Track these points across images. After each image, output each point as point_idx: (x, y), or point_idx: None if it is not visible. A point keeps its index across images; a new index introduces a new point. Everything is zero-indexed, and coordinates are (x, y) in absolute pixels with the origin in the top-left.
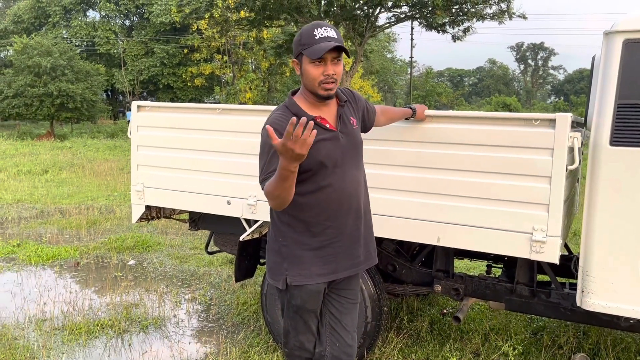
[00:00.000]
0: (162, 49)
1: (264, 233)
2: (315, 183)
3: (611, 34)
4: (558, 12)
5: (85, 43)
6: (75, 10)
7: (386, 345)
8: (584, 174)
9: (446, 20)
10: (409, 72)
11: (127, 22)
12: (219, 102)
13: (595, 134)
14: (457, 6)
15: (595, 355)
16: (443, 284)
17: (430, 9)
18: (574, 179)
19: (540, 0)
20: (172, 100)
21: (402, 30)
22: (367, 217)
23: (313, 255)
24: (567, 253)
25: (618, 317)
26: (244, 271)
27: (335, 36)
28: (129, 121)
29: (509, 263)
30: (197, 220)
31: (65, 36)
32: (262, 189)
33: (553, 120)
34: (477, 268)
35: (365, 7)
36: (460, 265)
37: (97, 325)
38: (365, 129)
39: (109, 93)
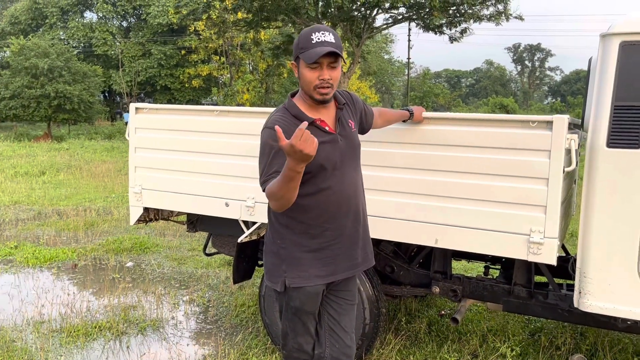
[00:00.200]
0: (160, 50)
1: (262, 235)
2: (315, 185)
3: (608, 36)
4: (555, 13)
5: (82, 44)
6: (72, 12)
7: (384, 346)
8: (581, 175)
9: (443, 21)
10: (406, 73)
11: (125, 24)
12: (217, 103)
13: (592, 135)
14: (454, 7)
15: (592, 356)
16: (441, 286)
17: (427, 10)
18: (571, 180)
19: (537, 1)
20: (169, 102)
21: (399, 31)
22: (364, 219)
23: (312, 257)
24: (564, 254)
25: (615, 318)
26: (242, 273)
27: (332, 40)
28: (126, 123)
29: (507, 264)
30: (195, 222)
31: (62, 37)
32: (263, 190)
33: (550, 122)
34: (475, 269)
35: (363, 9)
36: (458, 267)
37: (95, 327)
38: (362, 131)
39: (107, 94)
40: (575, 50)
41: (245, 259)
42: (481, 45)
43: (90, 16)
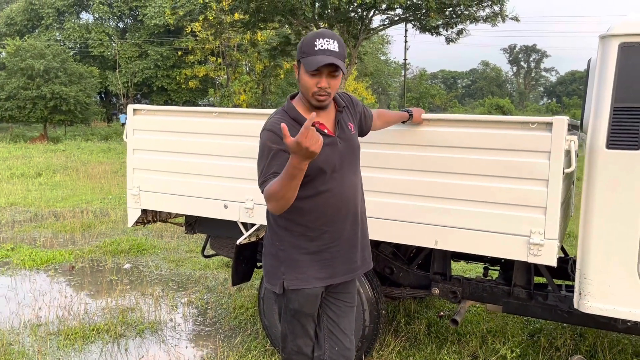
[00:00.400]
0: (156, 51)
1: (261, 236)
2: (314, 188)
3: (607, 37)
4: (550, 14)
5: (78, 45)
6: (68, 13)
7: (384, 348)
8: (579, 176)
9: (440, 22)
10: (403, 74)
11: (121, 25)
12: (213, 104)
13: (591, 137)
14: (450, 9)
15: (592, 358)
16: (441, 287)
17: (424, 11)
18: (570, 181)
19: (532, 2)
20: (166, 103)
21: (395, 32)
22: (363, 222)
23: (310, 259)
24: (563, 255)
25: (615, 320)
26: (241, 275)
27: (335, 49)
28: (123, 124)
29: (506, 266)
30: (194, 223)
31: (58, 38)
32: (262, 191)
33: (550, 124)
34: (473, 270)
35: (359, 10)
36: (456, 268)
37: (93, 330)
38: (362, 134)
39: (103, 95)
40: (571, 52)
41: (244, 261)
42: (477, 46)
43: (86, 17)
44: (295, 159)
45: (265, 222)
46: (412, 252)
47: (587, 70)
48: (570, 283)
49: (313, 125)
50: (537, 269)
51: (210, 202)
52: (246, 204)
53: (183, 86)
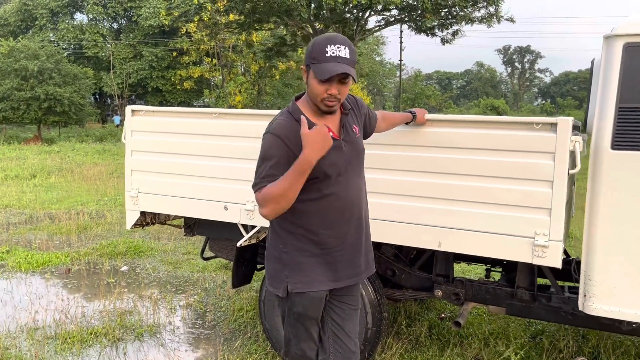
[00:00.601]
0: (151, 52)
1: (261, 238)
2: (319, 191)
3: (611, 37)
4: (544, 15)
5: (72, 46)
6: (62, 13)
7: (385, 351)
8: (579, 176)
9: (435, 23)
10: (398, 75)
11: (115, 25)
12: (208, 105)
13: (596, 137)
14: (446, 9)
15: (595, 359)
16: (443, 289)
17: (419, 12)
18: (571, 182)
19: (526, 4)
20: (160, 104)
21: (390, 33)
22: (367, 226)
23: (314, 261)
24: (564, 256)
25: (620, 321)
26: (241, 277)
27: (347, 56)
28: (117, 125)
29: (508, 267)
30: (193, 225)
31: (52, 39)
32: (255, 191)
33: (554, 124)
34: (472, 271)
35: (355, 11)
36: (456, 269)
37: (91, 333)
38: (366, 135)
39: (97, 96)
40: (565, 53)
41: (245, 263)
42: (471, 47)
43: (80, 18)
44: (309, 152)
45: (266, 224)
46: (413, 254)
47: (591, 71)
48: (571, 284)
49: None
50: (539, 270)
51: (210, 204)
52: (247, 206)
53: (178, 87)
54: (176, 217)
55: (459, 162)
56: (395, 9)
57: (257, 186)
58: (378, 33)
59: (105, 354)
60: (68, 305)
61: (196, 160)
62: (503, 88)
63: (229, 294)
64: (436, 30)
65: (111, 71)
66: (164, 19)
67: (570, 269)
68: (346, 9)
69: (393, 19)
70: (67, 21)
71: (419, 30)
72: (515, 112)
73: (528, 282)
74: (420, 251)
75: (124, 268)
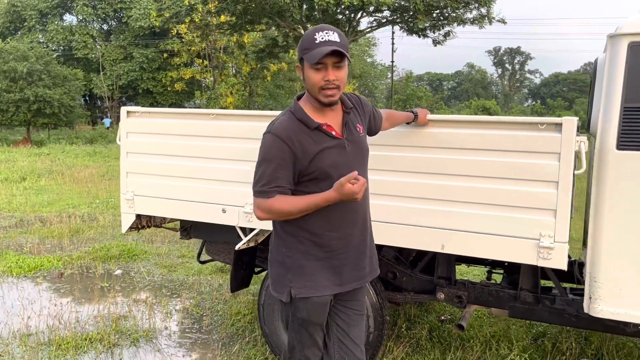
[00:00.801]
0: (141, 53)
1: (260, 241)
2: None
3: (616, 36)
4: (534, 17)
5: (62, 47)
6: (51, 15)
7: (386, 355)
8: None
9: (427, 24)
10: (390, 76)
11: (105, 27)
12: (200, 107)
13: (601, 138)
14: (438, 11)
15: None
16: (446, 292)
17: (411, 13)
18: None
19: (516, 5)
20: (151, 105)
21: (381, 34)
22: (370, 227)
23: (318, 265)
24: None
25: (625, 323)
26: (239, 281)
27: (337, 40)
28: (107, 128)
29: (510, 269)
30: (189, 228)
31: (41, 40)
32: (260, 196)
33: (559, 125)
34: (470, 273)
35: (347, 12)
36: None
37: (85, 339)
38: (370, 134)
39: (87, 98)
40: (554, 54)
41: (243, 267)
42: (462, 49)
43: (70, 19)
44: (335, 197)
45: (264, 227)
46: (412, 256)
47: (594, 71)
48: (573, 286)
49: (318, 128)
50: (542, 271)
51: (207, 207)
52: (245, 208)
53: (169, 89)
54: (172, 219)
55: (463, 163)
56: (387, 10)
57: (265, 194)
58: (370, 34)
59: None
60: (61, 311)
61: (193, 162)
62: (494, 89)
63: (226, 297)
64: (428, 31)
65: (101, 73)
66: (155, 20)
67: (572, 270)
68: (338, 10)
69: (385, 20)
70: (56, 22)
71: (410, 31)
72: (505, 113)
73: (531, 284)
74: (420, 253)
75: (118, 272)
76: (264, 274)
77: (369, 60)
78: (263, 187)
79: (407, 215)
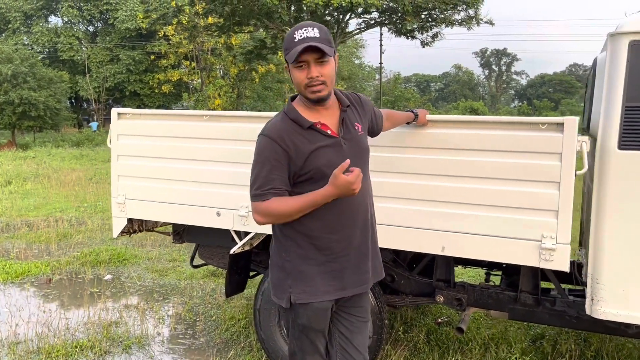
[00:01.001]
0: (128, 55)
1: (255, 245)
2: None
3: (616, 35)
4: (519, 18)
5: (47, 49)
6: (36, 16)
7: (385, 359)
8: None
9: (415, 26)
10: (378, 78)
11: (91, 28)
12: (187, 109)
13: (602, 138)
14: (426, 12)
15: None
16: (445, 295)
17: (400, 15)
18: None
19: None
20: (139, 108)
21: (369, 36)
22: (373, 229)
23: (319, 270)
24: None
25: (627, 325)
26: (234, 286)
27: (315, 35)
28: (94, 131)
29: (509, 270)
30: (182, 232)
31: (26, 42)
32: (256, 200)
33: (561, 124)
34: (465, 274)
35: (336, 13)
36: None
37: (76, 347)
38: (372, 134)
39: (73, 101)
40: (540, 55)
41: (238, 271)
42: (449, 50)
43: (55, 21)
44: (332, 192)
45: (260, 230)
46: (409, 258)
47: (594, 70)
48: (571, 286)
49: (314, 126)
50: (542, 273)
51: (201, 210)
52: (240, 212)
53: (156, 91)
54: (164, 223)
55: (463, 164)
56: (375, 11)
57: (261, 197)
58: (358, 36)
59: None
60: (50, 317)
61: (186, 165)
62: (480, 90)
63: (219, 302)
64: (416, 32)
65: (87, 75)
66: (142, 21)
67: (571, 271)
68: (327, 12)
69: (373, 21)
70: (41, 24)
71: (399, 32)
72: (493, 114)
73: (531, 285)
74: (417, 255)
75: (108, 277)
76: (258, 278)
77: (356, 62)
78: (258, 190)
79: (406, 217)
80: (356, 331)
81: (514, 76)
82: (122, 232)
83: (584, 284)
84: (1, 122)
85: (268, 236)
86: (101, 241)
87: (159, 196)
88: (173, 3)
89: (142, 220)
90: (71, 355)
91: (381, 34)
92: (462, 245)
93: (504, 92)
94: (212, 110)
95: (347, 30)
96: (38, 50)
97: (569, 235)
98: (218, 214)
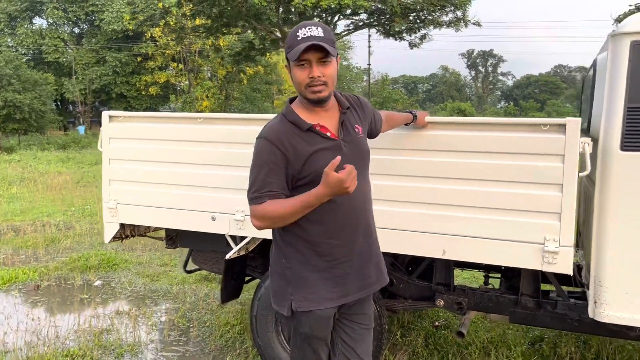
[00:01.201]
0: (115, 57)
1: (250, 250)
2: None
3: (618, 35)
4: (505, 20)
5: (32, 51)
6: (20, 18)
7: None
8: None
9: (404, 27)
10: (366, 79)
11: (77, 30)
12: (175, 111)
13: (604, 139)
14: (414, 13)
15: None
16: (445, 298)
17: (388, 16)
18: None
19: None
20: (125, 110)
21: (357, 38)
22: (375, 233)
23: (320, 277)
24: None
25: (629, 327)
26: (230, 291)
27: (320, 35)
28: (81, 134)
29: (508, 273)
30: (175, 237)
31: (10, 44)
32: (253, 205)
33: (563, 126)
34: (460, 276)
35: (324, 15)
36: None
37: (66, 355)
38: (371, 136)
39: (59, 103)
40: (525, 56)
41: (234, 277)
42: (436, 52)
43: (39, 22)
44: (326, 191)
45: (256, 235)
46: (407, 262)
47: (594, 71)
48: (571, 288)
49: (313, 128)
50: (543, 275)
51: (196, 215)
52: (236, 216)
53: (143, 93)
54: (157, 228)
55: (464, 166)
56: (364, 13)
57: (257, 200)
58: (347, 37)
59: None
60: (39, 326)
61: (180, 168)
62: (467, 91)
63: (212, 307)
64: (404, 34)
65: (73, 77)
66: (128, 23)
67: (577, 273)
68: (315, 13)
69: (362, 23)
70: (25, 26)
71: (387, 34)
72: (480, 115)
73: (532, 288)
74: (415, 259)
75: (98, 282)
76: (253, 283)
77: (344, 63)
78: (255, 193)
79: (406, 220)
80: (359, 339)
81: (500, 77)
82: (114, 238)
83: (583, 285)
84: None
85: (264, 241)
86: (90, 246)
87: (152, 201)
88: (160, 4)
89: (134, 226)
90: None
91: (369, 36)
92: (463, 249)
93: (490, 93)
94: (200, 112)
95: (335, 31)
96: (23, 52)
97: (572, 237)
98: (213, 219)
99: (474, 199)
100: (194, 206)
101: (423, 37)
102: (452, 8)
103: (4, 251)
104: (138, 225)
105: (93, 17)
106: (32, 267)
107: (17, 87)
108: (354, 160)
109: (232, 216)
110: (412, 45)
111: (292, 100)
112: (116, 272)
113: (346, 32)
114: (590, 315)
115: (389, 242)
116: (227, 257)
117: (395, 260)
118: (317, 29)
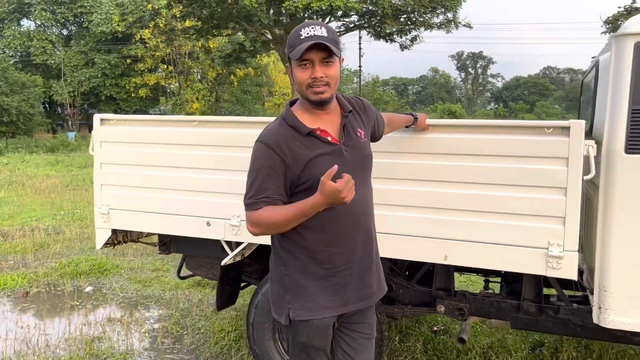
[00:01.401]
0: (104, 59)
1: (246, 255)
2: None
3: (621, 36)
4: (495, 22)
5: (19, 53)
6: (8, 20)
7: None
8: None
9: (394, 29)
10: (356, 81)
11: (65, 32)
12: (165, 113)
13: (608, 141)
14: (405, 15)
15: None
16: (446, 304)
17: (379, 18)
18: None
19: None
20: (115, 112)
21: (348, 40)
22: (376, 240)
23: (319, 285)
24: None
25: (633, 333)
26: (225, 298)
27: (323, 34)
28: (70, 138)
29: (508, 278)
30: (169, 243)
31: None
32: (249, 211)
33: (567, 128)
34: (456, 280)
35: (315, 17)
36: None
37: None
38: (373, 140)
39: (47, 105)
40: (514, 58)
41: (229, 283)
42: (426, 53)
43: (27, 24)
44: (321, 201)
45: (252, 240)
46: (406, 266)
47: (596, 73)
48: (572, 292)
49: (313, 133)
50: (545, 280)
51: (191, 220)
52: (232, 221)
53: (133, 95)
54: (150, 233)
55: (466, 170)
56: (355, 14)
57: (253, 206)
58: None
59: None
60: (29, 334)
61: (174, 173)
62: (457, 93)
63: (207, 313)
64: (395, 36)
65: (62, 79)
66: (118, 25)
67: (579, 277)
68: (306, 15)
69: (353, 25)
70: (13, 27)
71: (378, 36)
72: (470, 116)
73: (534, 293)
74: (414, 263)
75: (89, 289)
76: (250, 289)
77: None
78: (251, 198)
79: (407, 225)
80: (360, 349)
81: (490, 79)
82: (106, 244)
83: (585, 289)
84: None
85: (260, 246)
86: (80, 251)
87: (146, 206)
88: (149, 6)
89: (126, 231)
90: None
91: (360, 37)
92: (465, 254)
93: (480, 94)
94: (190, 114)
95: None
96: (10, 54)
97: (577, 242)
98: (208, 224)
99: (476, 202)
100: (188, 211)
101: (414, 39)
102: (443, 10)
103: None
104: (130, 231)
105: (82, 19)
106: (21, 273)
107: (5, 90)
108: (355, 165)
109: (228, 221)
110: (402, 47)
111: (292, 103)
112: (107, 277)
113: (337, 34)
114: (595, 321)
115: (390, 247)
116: (222, 263)
117: (394, 265)
118: (320, 28)
